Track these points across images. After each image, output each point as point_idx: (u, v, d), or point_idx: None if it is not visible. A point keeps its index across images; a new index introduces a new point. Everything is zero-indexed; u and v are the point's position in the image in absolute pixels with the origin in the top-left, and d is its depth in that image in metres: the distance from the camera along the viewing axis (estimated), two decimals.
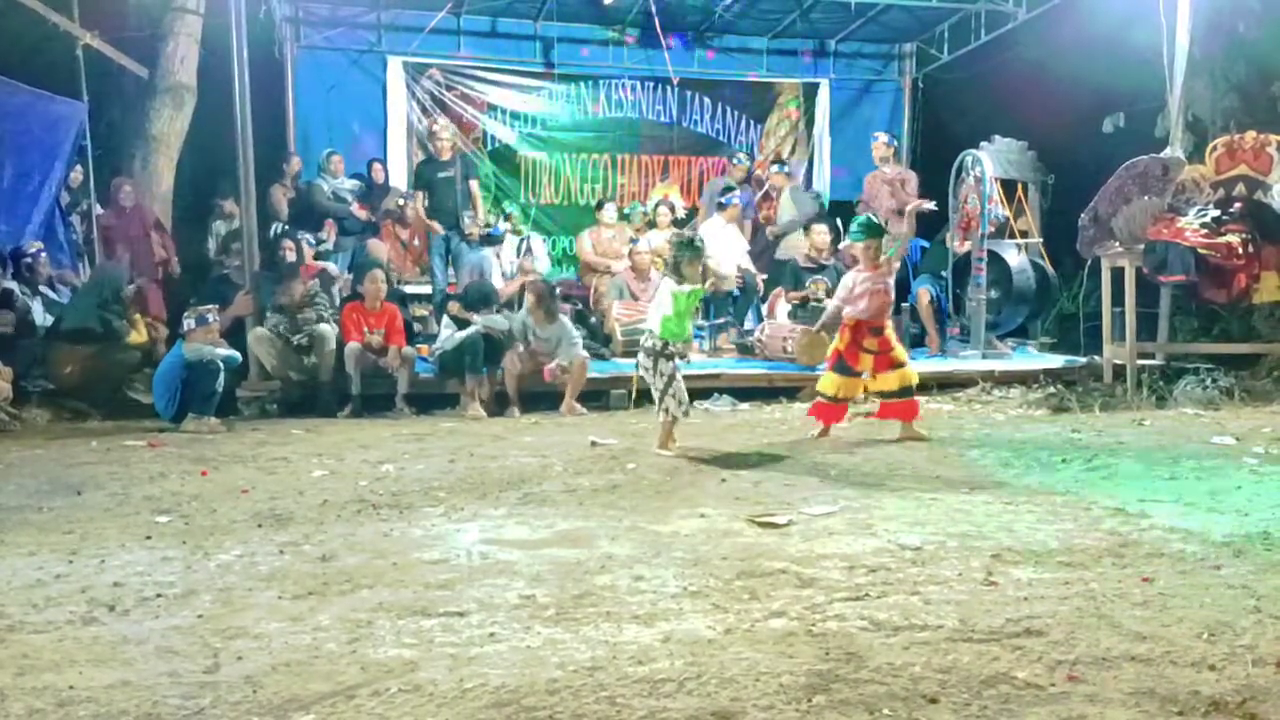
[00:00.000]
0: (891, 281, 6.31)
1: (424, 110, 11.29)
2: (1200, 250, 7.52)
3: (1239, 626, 2.86)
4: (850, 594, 3.20)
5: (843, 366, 6.24)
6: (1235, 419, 6.74)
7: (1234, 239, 7.48)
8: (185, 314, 7.18)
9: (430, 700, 2.43)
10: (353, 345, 7.57)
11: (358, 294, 8.05)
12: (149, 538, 4.02)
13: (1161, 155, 8.14)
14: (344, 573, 3.50)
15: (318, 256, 9.17)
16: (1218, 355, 8.44)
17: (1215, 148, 8.23)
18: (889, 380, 6.17)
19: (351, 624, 2.97)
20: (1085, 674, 2.53)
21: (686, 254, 5.79)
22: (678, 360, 5.86)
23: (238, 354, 7.29)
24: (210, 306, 7.29)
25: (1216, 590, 3.20)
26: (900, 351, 6.29)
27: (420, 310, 9.59)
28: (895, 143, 11.01)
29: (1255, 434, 6.09)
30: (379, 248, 9.55)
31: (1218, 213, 7.68)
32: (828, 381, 6.30)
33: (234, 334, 7.64)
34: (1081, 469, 5.21)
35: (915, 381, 6.26)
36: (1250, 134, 8.13)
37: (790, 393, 8.02)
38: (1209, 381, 7.68)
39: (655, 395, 5.80)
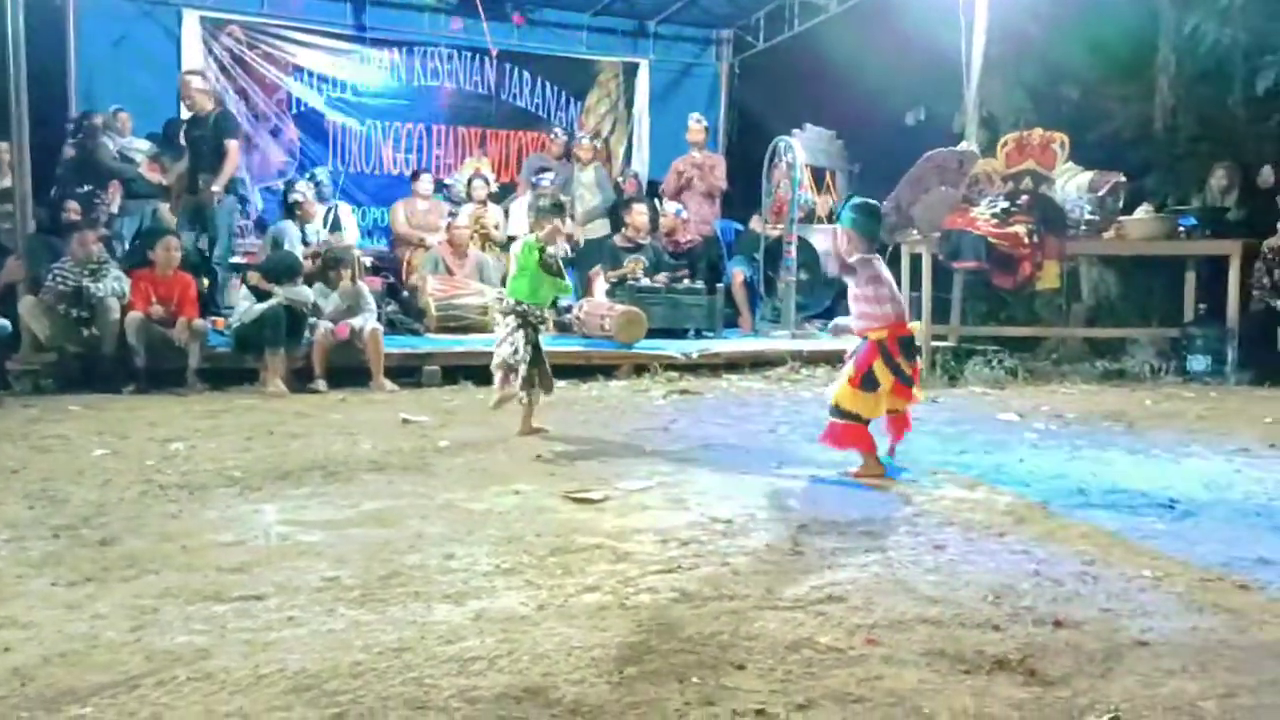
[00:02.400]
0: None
1: (223, 69, 10.68)
2: (990, 239, 7.98)
3: (1020, 589, 3.03)
4: (663, 567, 3.22)
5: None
6: (1018, 397, 7.20)
7: (1020, 229, 7.96)
8: None
9: (222, 688, 2.29)
10: (135, 315, 7.07)
11: (147, 261, 7.55)
12: None
13: (958, 149, 8.57)
14: (127, 557, 3.26)
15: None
16: (1003, 338, 9.00)
17: (1006, 143, 8.74)
18: None
19: (135, 611, 2.77)
20: (882, 637, 2.63)
21: (542, 214, 5.51)
22: (531, 330, 5.42)
23: (7, 323, 6.71)
24: None
25: (1001, 556, 3.39)
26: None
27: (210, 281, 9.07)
28: (708, 125, 11.19)
29: (1036, 411, 6.53)
30: (170, 213, 8.97)
31: (1007, 204, 8.15)
32: None
33: (3, 302, 7.02)
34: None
35: (838, 402, 4.70)
36: (1038, 131, 8.68)
37: (607, 371, 8.05)
38: (995, 362, 8.19)
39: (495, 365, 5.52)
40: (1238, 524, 3.83)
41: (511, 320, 5.43)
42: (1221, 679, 2.37)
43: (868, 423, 4.66)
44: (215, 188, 8.84)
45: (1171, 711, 2.21)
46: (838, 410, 4.65)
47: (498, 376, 5.54)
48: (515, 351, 5.38)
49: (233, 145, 9.05)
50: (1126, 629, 2.70)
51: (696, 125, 10.77)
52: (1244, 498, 4.24)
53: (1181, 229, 8.44)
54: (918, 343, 5.65)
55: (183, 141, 9.33)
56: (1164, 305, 9.37)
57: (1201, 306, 8.58)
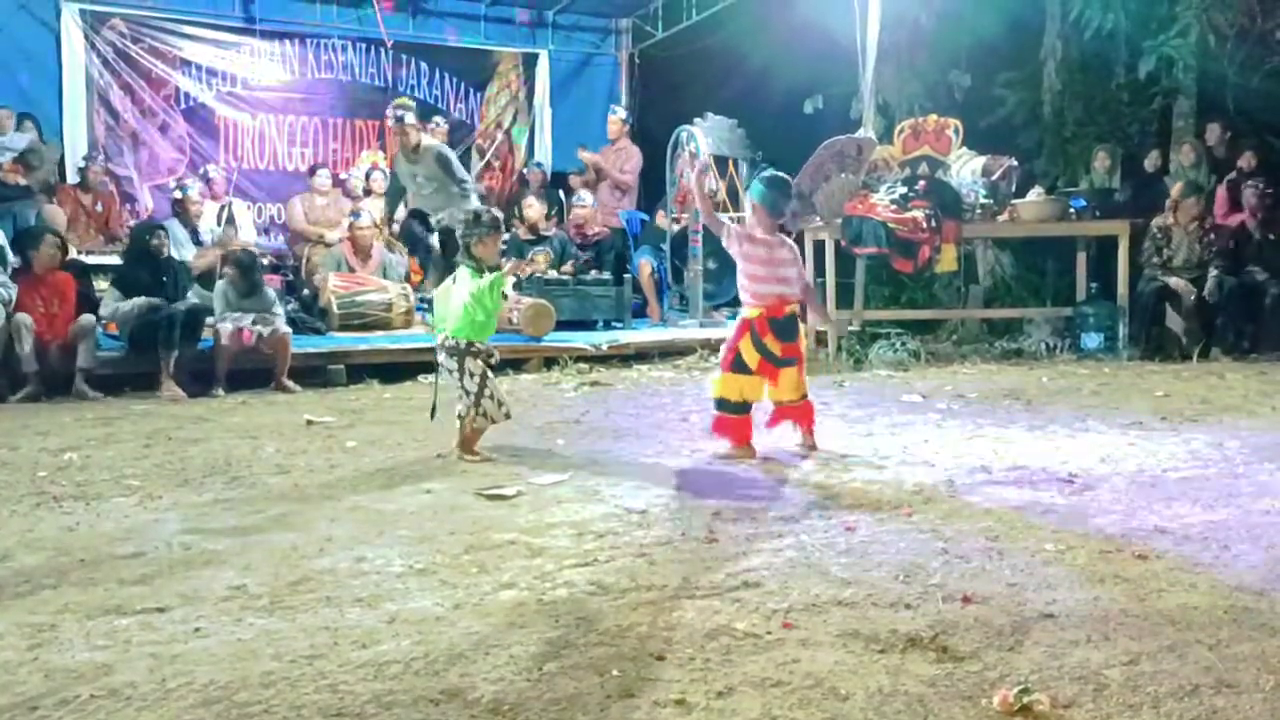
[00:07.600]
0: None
1: (106, 64, 10.27)
2: (890, 224, 8.14)
3: (930, 567, 3.10)
4: (579, 560, 3.20)
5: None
6: (922, 379, 7.37)
7: (918, 214, 8.13)
8: None
9: (129, 705, 2.21)
10: (23, 316, 6.77)
11: (26, 262, 7.21)
12: None
13: (856, 136, 8.72)
14: (21, 573, 3.12)
15: None
16: (905, 321, 9.20)
17: (902, 130, 8.94)
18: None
19: (31, 629, 2.65)
20: (798, 620, 2.66)
21: (477, 232, 4.78)
22: (487, 358, 4.87)
23: None
24: None
25: (910, 535, 3.46)
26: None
27: (104, 283, 8.73)
28: (630, 119, 11.20)
29: (938, 391, 6.68)
30: (56, 213, 8.61)
31: (904, 189, 8.33)
32: None
33: None
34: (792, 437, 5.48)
35: (712, 392, 4.96)
36: (932, 117, 8.91)
37: (517, 364, 7.98)
38: (899, 345, 8.36)
39: (469, 399, 4.74)
40: (1134, 496, 3.97)
41: (478, 365, 4.79)
42: (1124, 647, 2.46)
43: (746, 408, 4.77)
44: None
45: (1078, 680, 2.29)
46: (714, 401, 4.85)
47: (483, 424, 4.85)
48: (500, 404, 4.83)
49: None
50: (1032, 602, 2.78)
51: (614, 118, 10.79)
52: (1138, 470, 4.41)
53: (1072, 210, 8.74)
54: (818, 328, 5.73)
55: None
56: (1057, 285, 9.70)
57: (1093, 285, 8.89)
